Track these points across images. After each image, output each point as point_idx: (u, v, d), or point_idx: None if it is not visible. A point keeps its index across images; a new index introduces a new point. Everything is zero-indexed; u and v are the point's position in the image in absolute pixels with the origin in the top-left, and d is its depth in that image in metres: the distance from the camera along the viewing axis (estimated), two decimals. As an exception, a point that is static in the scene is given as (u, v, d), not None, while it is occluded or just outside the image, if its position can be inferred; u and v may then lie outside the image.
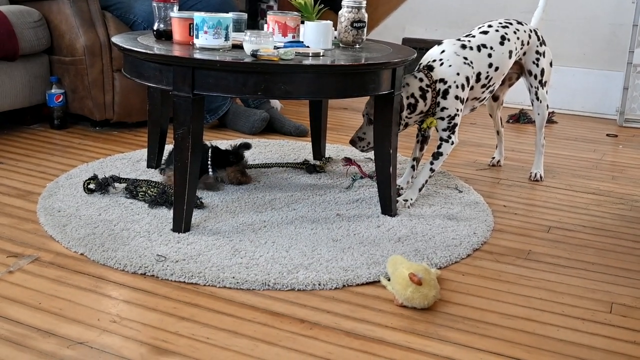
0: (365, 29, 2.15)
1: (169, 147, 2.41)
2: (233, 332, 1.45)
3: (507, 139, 3.15)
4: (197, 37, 1.89)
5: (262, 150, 2.81)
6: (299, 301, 1.59)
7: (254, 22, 3.63)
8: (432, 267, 1.76)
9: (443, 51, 2.24)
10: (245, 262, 1.75)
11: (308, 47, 2.01)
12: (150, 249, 1.80)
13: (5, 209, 2.06)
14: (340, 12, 2.13)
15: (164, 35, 2.05)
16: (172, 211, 1.94)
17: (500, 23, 2.41)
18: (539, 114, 2.59)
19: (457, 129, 2.25)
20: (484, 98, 2.37)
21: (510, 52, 2.36)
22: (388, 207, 2.12)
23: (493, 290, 1.71)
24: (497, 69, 2.31)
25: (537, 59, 2.50)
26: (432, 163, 2.26)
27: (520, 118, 3.69)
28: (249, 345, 1.41)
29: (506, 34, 2.36)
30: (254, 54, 1.80)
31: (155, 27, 2.07)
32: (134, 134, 3.00)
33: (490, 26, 2.39)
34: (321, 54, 1.92)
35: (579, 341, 1.49)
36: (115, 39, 2.04)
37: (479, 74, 2.27)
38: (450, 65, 2.20)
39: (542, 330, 1.53)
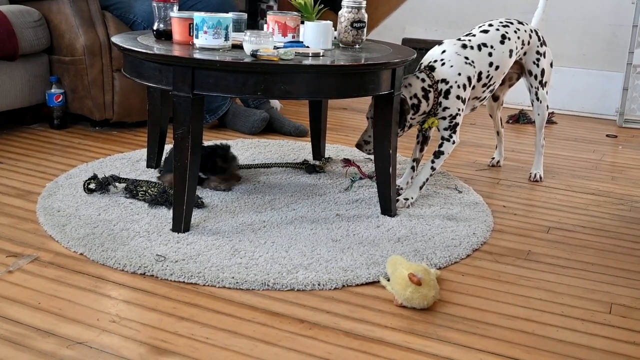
0: (365, 29, 2.15)
1: (168, 147, 2.41)
2: (232, 332, 1.45)
3: (507, 139, 3.15)
4: (197, 37, 1.89)
5: (261, 150, 2.81)
6: (299, 301, 1.59)
7: (254, 22, 3.62)
8: (431, 267, 1.76)
9: (444, 51, 2.24)
10: (244, 262, 1.75)
11: (308, 47, 2.01)
12: (149, 249, 1.80)
13: (4, 209, 2.06)
14: (340, 12, 2.13)
15: (164, 35, 2.05)
16: (171, 211, 1.94)
17: (500, 22, 2.41)
18: (538, 115, 2.59)
19: (458, 128, 2.25)
20: (485, 97, 2.37)
21: (511, 51, 2.36)
22: (388, 207, 2.12)
23: (492, 290, 1.71)
24: (497, 67, 2.31)
25: (538, 59, 2.50)
26: (433, 162, 2.25)
27: (520, 118, 3.69)
28: (249, 345, 1.41)
29: (507, 33, 2.36)
30: (254, 54, 1.80)
31: (155, 27, 2.07)
32: (133, 133, 3.00)
33: (490, 25, 2.39)
34: (321, 54, 1.92)
35: (578, 341, 1.49)
36: (115, 39, 2.04)
37: (480, 73, 2.27)
38: (451, 66, 2.20)
39: (541, 331, 1.53)
